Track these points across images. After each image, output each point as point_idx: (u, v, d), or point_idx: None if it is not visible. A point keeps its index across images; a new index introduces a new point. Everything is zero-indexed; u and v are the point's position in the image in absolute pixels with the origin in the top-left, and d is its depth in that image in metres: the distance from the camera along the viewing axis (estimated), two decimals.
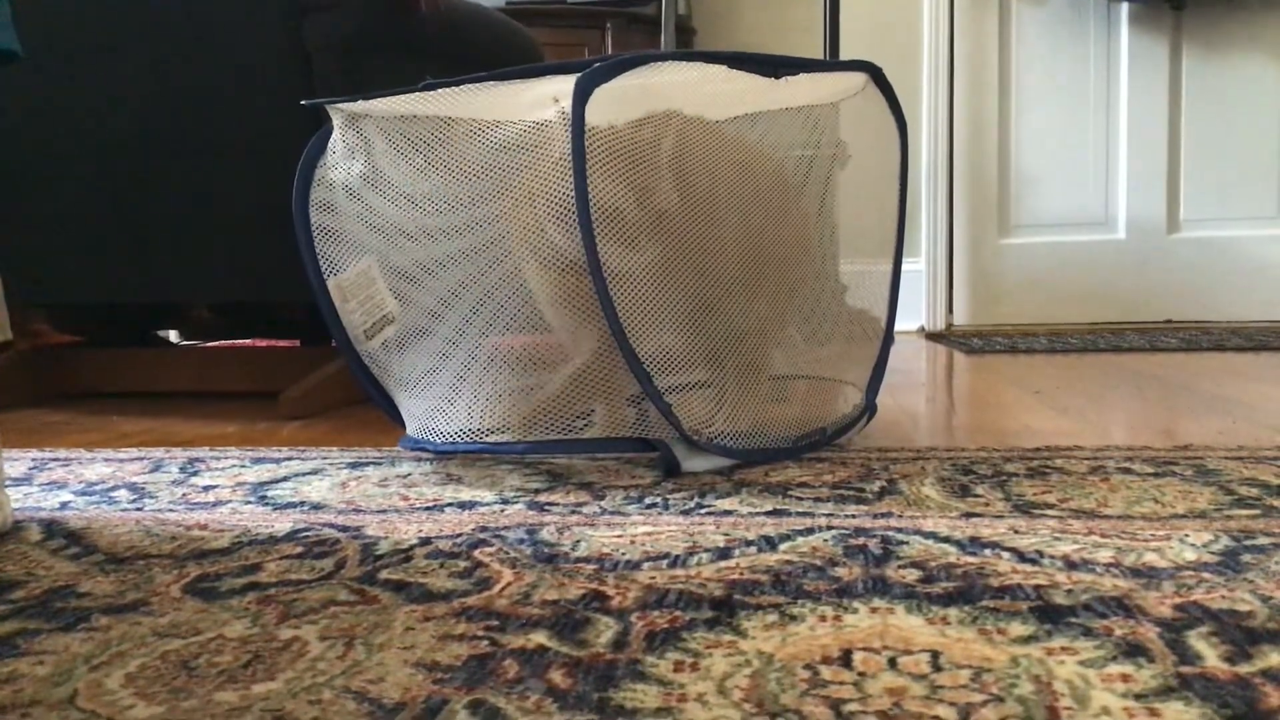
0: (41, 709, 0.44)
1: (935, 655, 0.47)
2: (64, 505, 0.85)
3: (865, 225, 1.10)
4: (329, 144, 1.02)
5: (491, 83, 0.92)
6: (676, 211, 0.89)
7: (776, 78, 0.95)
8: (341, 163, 1.01)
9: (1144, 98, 2.91)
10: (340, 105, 0.99)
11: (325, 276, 1.04)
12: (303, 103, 1.03)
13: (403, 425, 1.06)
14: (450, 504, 0.82)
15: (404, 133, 0.97)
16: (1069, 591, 0.55)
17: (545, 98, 0.91)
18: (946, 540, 0.66)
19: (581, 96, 0.84)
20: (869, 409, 1.09)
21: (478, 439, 0.96)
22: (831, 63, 1.01)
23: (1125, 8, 2.88)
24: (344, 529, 0.74)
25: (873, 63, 1.04)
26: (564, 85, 0.86)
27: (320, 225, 1.03)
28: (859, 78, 1.04)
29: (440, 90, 0.93)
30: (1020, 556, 0.62)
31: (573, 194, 0.84)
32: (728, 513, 0.76)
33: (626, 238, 0.86)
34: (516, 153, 0.91)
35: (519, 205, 0.91)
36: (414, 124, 0.97)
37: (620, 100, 0.88)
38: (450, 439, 0.98)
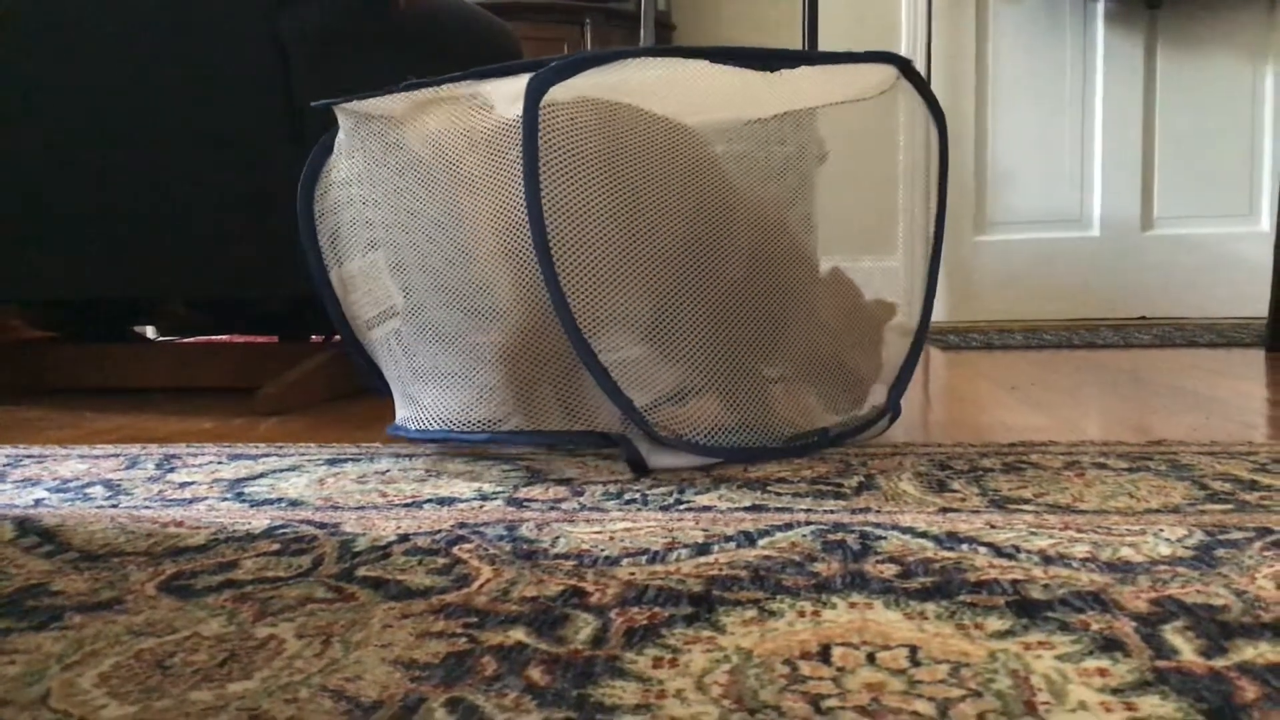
0: (13, 709, 0.43)
1: (913, 650, 0.47)
2: (38, 502, 0.84)
3: (895, 219, 1.08)
4: (336, 141, 1.02)
5: (468, 81, 0.91)
6: (632, 207, 0.88)
7: (772, 71, 0.91)
8: (343, 159, 1.01)
9: (1119, 95, 2.93)
10: (346, 106, 0.99)
11: (328, 269, 1.04)
12: (313, 104, 1.02)
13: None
14: (429, 500, 0.81)
15: (383, 132, 0.97)
16: (1045, 586, 0.56)
17: (511, 95, 0.90)
18: (924, 535, 0.67)
19: (534, 97, 0.83)
20: (891, 410, 1.06)
21: (455, 430, 0.96)
22: (846, 55, 0.95)
23: (1101, 6, 2.91)
24: (322, 526, 0.73)
25: (900, 55, 0.99)
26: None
27: (323, 220, 1.04)
28: (888, 71, 0.99)
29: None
30: (997, 551, 0.63)
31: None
32: (707, 508, 0.76)
33: (582, 237, 0.85)
34: (483, 150, 0.91)
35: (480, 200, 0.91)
36: (390, 122, 0.97)
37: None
38: (425, 427, 0.98)
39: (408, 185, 0.96)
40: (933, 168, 1.05)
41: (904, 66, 1.00)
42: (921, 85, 1.02)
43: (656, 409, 0.90)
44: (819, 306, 1.02)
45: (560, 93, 0.84)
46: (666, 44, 2.88)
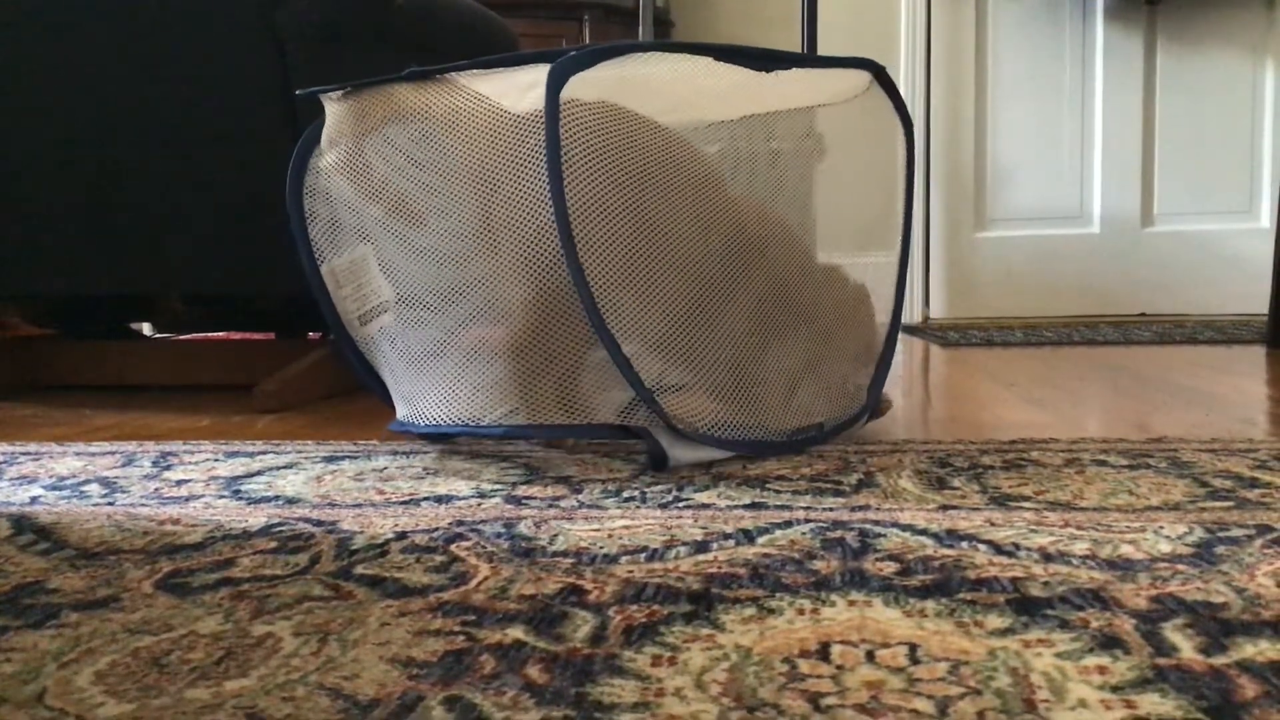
0: (9, 707, 0.43)
1: (913, 648, 0.47)
2: (34, 500, 0.84)
3: (869, 220, 1.09)
4: (324, 131, 1.01)
5: (473, 71, 0.91)
6: (654, 199, 0.88)
7: (767, 72, 0.93)
8: (332, 150, 1.00)
9: (1118, 92, 2.93)
10: (332, 94, 0.98)
11: (319, 262, 1.03)
12: (298, 92, 1.01)
13: (394, 409, 1.06)
14: (427, 498, 0.81)
15: (375, 121, 0.96)
16: (1045, 584, 0.55)
17: (521, 86, 0.90)
18: (924, 533, 0.67)
19: (556, 85, 0.83)
20: (871, 405, 1.07)
21: (471, 424, 0.96)
22: (831, 59, 1.00)
23: (1100, 2, 2.90)
24: (319, 523, 0.73)
25: (876, 61, 1.02)
26: (542, 75, 0.85)
27: (313, 212, 1.03)
28: (862, 77, 1.02)
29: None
30: (997, 549, 0.63)
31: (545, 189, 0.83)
32: (705, 506, 0.76)
33: (605, 231, 0.85)
34: (491, 142, 0.90)
35: (491, 198, 0.91)
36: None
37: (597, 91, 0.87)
38: (433, 423, 0.98)
39: (403, 178, 0.95)
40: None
41: (877, 72, 1.03)
42: (892, 91, 1.05)
43: (661, 395, 0.90)
44: (834, 291, 1.03)
45: (575, 87, 0.84)
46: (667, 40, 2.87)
